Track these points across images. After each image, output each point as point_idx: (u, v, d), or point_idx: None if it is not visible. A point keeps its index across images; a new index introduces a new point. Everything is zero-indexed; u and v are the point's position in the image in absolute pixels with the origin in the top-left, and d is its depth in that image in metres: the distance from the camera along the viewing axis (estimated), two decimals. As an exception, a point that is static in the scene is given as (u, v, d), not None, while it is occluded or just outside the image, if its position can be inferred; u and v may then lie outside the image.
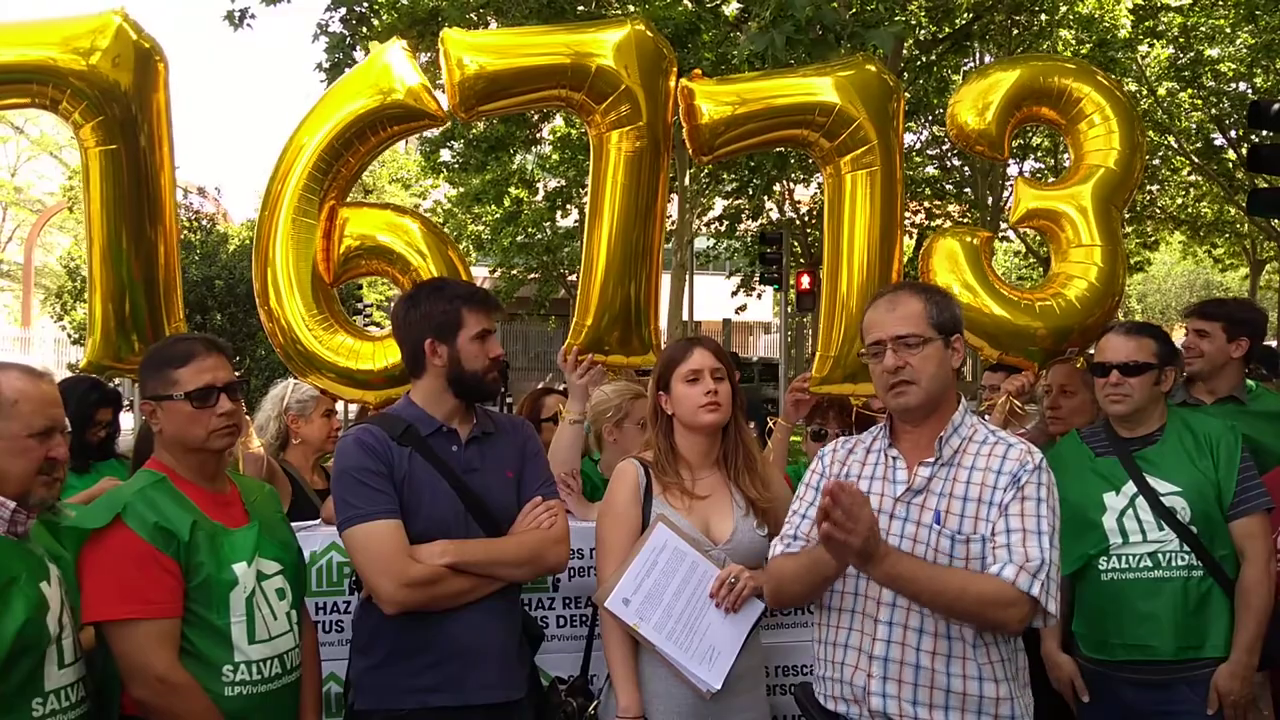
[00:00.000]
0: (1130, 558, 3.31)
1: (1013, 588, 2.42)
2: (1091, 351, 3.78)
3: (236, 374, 2.86)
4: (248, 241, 20.10)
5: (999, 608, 2.44)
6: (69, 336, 21.66)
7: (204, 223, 20.51)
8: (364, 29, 14.11)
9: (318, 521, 3.71)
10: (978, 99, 4.02)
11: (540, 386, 5.15)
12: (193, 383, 2.71)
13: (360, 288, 23.89)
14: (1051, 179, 22.67)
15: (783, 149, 14.21)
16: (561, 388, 4.16)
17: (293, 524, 3.09)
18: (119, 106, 3.64)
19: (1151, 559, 3.29)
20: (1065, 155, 23.86)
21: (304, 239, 3.81)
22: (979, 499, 2.55)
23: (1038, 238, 25.70)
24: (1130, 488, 3.35)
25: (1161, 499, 3.31)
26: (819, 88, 3.92)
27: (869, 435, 2.82)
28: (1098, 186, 3.92)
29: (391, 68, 3.80)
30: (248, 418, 3.80)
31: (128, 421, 6.13)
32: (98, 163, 3.69)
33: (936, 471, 2.61)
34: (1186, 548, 3.27)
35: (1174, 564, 3.28)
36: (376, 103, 3.77)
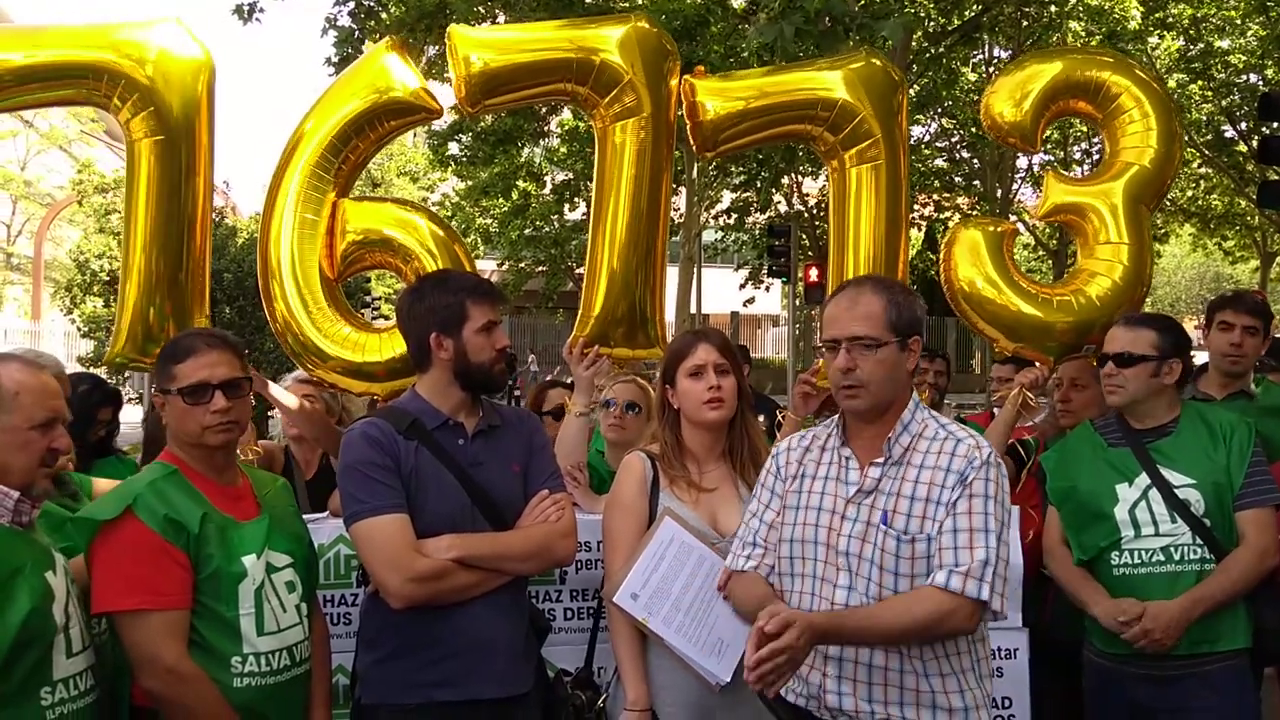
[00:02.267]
0: (1142, 552, 3.28)
1: (950, 596, 2.41)
2: None
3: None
4: (256, 235, 20.11)
5: (943, 621, 2.43)
6: (78, 330, 21.67)
7: (212, 216, 20.53)
8: (372, 23, 14.12)
9: (325, 514, 3.71)
10: (1015, 90, 3.99)
11: (548, 379, 5.17)
12: (188, 379, 2.71)
13: (368, 280, 23.92)
14: (1062, 172, 22.70)
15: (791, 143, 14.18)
16: (569, 380, 4.17)
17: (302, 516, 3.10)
18: (166, 103, 3.72)
19: (1164, 553, 3.26)
20: (1074, 147, 23.91)
21: (308, 235, 3.85)
22: (927, 498, 2.52)
23: (1046, 230, 25.67)
24: (1143, 479, 3.32)
25: (1175, 491, 3.28)
26: (822, 82, 3.94)
27: (824, 431, 2.79)
28: (1130, 184, 3.89)
29: (388, 68, 3.87)
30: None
31: (132, 415, 6.14)
32: (146, 152, 3.74)
33: (886, 471, 2.58)
34: (1199, 541, 3.24)
35: (1187, 557, 3.25)
36: (373, 100, 3.83)
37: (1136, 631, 3.18)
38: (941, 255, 4.08)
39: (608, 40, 3.83)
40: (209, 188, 3.90)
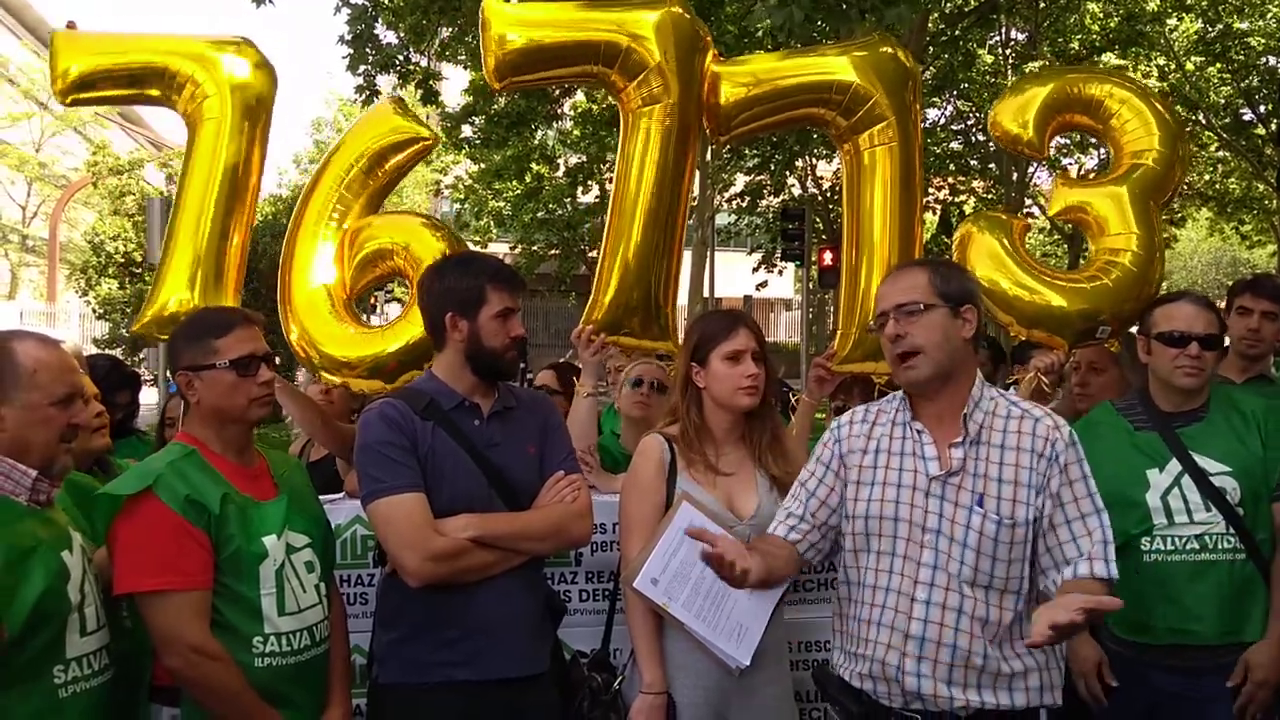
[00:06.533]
0: (1176, 539, 3.23)
1: (1095, 583, 2.46)
2: (1133, 330, 3.72)
3: None
4: (270, 216, 20.17)
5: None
6: (94, 312, 21.80)
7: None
8: (385, 1, 14.05)
9: (342, 495, 3.73)
10: (1018, 112, 4.04)
11: (562, 361, 5.20)
12: (235, 351, 2.72)
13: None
14: (1077, 154, 22.52)
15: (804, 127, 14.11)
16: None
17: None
18: (240, 99, 3.88)
19: (1198, 541, 3.21)
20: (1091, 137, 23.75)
21: (325, 246, 3.92)
22: (1015, 480, 2.53)
23: (1062, 214, 25.49)
24: (1175, 466, 3.27)
25: (1211, 479, 3.22)
26: (835, 66, 3.93)
27: (889, 406, 2.77)
28: (1137, 181, 3.87)
29: (388, 116, 4.03)
30: None
31: (150, 396, 6.18)
32: (213, 131, 3.86)
33: (968, 451, 2.58)
34: (1232, 530, 3.19)
35: (1220, 546, 3.20)
36: (380, 144, 3.98)
37: (1251, 689, 3.16)
38: (955, 254, 4.05)
39: (638, 23, 3.81)
40: (259, 180, 4.02)
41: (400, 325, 3.84)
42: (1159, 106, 4.00)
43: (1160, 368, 3.37)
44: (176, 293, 3.81)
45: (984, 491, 2.53)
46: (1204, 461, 3.25)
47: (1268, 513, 3.24)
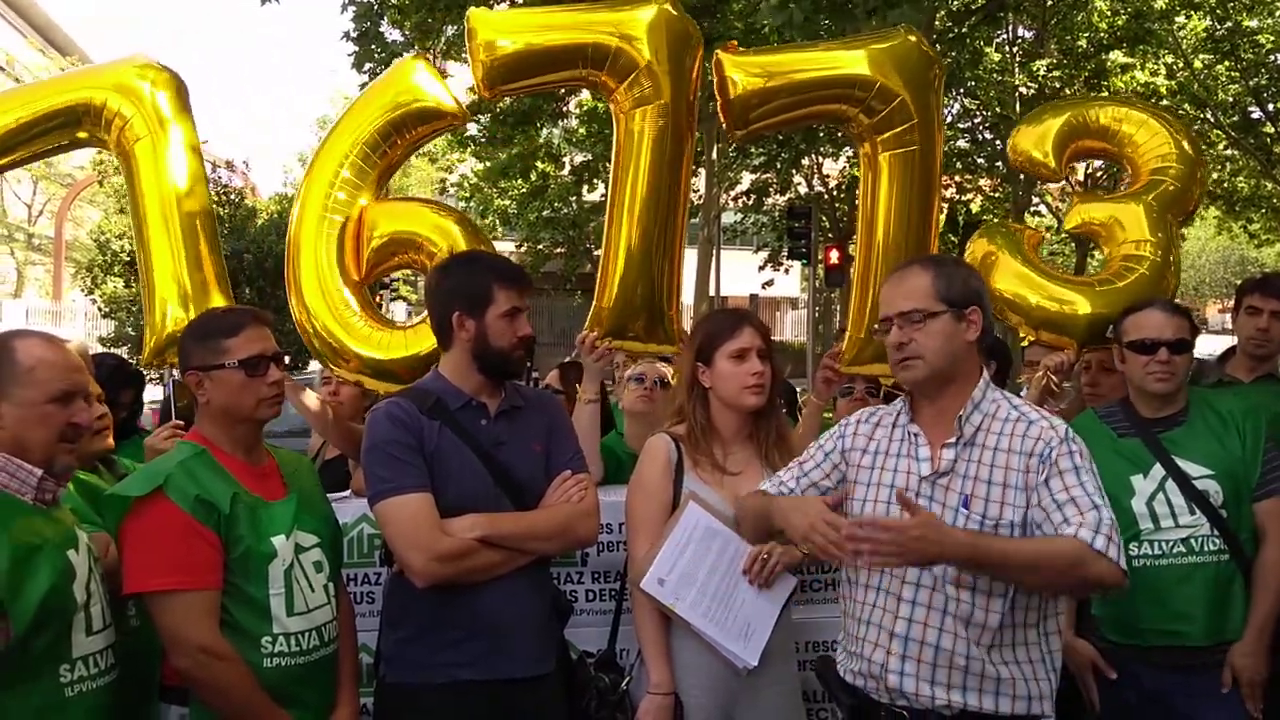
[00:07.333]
0: (1163, 543, 3.26)
1: (1090, 548, 2.34)
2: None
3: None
4: (276, 215, 20.17)
5: (1086, 563, 2.35)
6: (99, 310, 21.81)
7: (232, 197, 20.61)
8: (393, -1, 14.08)
9: (348, 493, 3.72)
10: (1037, 141, 4.07)
11: (569, 359, 5.19)
12: (244, 351, 2.72)
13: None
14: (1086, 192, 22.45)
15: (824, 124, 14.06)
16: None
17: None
18: (152, 112, 3.91)
19: (1184, 544, 3.24)
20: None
21: (332, 235, 3.88)
22: (1004, 483, 2.51)
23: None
24: (1158, 470, 3.30)
25: (1194, 482, 3.25)
26: (857, 60, 3.80)
27: (893, 409, 2.78)
28: (1156, 198, 3.87)
29: (411, 77, 3.92)
30: None
31: (155, 395, 6.17)
32: (149, 155, 3.88)
33: (960, 452, 2.57)
34: (1216, 532, 3.23)
35: (1206, 549, 3.23)
36: (400, 112, 3.90)
37: (1247, 691, 3.18)
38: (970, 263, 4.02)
39: (628, 24, 3.74)
40: (204, 183, 4.04)
41: (413, 334, 3.82)
42: (1177, 131, 4.00)
43: (1133, 375, 3.43)
44: (173, 314, 3.84)
45: (971, 493, 2.52)
46: (1186, 465, 3.28)
47: (1250, 513, 3.28)
